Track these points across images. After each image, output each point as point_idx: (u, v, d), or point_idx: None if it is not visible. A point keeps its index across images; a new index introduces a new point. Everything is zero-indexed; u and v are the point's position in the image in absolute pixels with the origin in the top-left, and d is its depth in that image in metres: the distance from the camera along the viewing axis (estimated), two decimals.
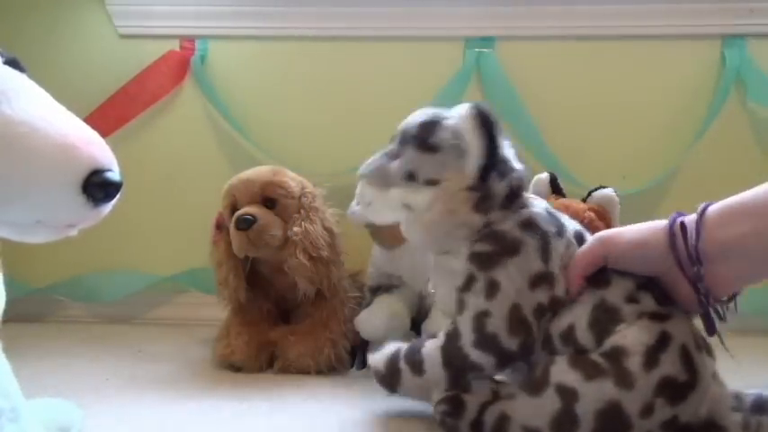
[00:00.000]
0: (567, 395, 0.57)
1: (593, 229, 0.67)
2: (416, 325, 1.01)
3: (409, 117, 0.71)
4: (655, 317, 0.59)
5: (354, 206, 1.03)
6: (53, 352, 1.04)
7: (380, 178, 0.69)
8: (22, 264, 1.21)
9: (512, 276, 0.62)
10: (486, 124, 0.64)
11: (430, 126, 0.67)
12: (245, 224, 0.94)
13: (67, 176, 0.43)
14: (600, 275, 0.62)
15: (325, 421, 0.72)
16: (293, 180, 1.02)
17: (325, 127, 1.31)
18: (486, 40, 1.28)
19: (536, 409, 0.59)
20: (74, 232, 0.47)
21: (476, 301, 0.63)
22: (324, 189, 1.06)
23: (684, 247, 0.58)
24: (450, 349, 0.65)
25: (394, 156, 0.69)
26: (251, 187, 0.98)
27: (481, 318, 0.63)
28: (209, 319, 1.11)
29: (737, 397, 0.61)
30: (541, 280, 0.62)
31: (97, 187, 0.44)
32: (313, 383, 0.89)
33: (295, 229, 0.97)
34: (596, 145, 1.27)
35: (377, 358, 0.72)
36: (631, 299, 0.60)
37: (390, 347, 0.72)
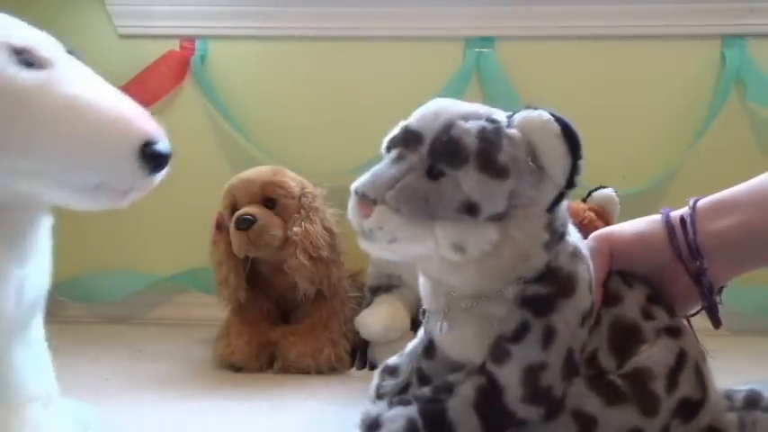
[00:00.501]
0: (586, 422, 0.53)
1: (593, 229, 0.66)
2: (416, 325, 1.01)
3: (427, 112, 0.54)
4: (670, 332, 0.57)
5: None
6: (53, 352, 1.04)
7: (418, 207, 0.50)
8: None
9: (568, 319, 0.53)
10: (572, 143, 0.50)
11: (494, 138, 0.50)
12: (245, 224, 0.94)
13: (126, 143, 0.49)
14: (610, 290, 0.59)
15: (325, 421, 0.72)
16: (293, 180, 1.02)
17: (325, 127, 1.31)
18: (486, 40, 1.28)
19: None
20: (127, 203, 0.52)
21: (528, 353, 0.53)
22: (324, 189, 1.06)
23: (684, 240, 0.58)
24: (490, 408, 0.53)
25: (429, 172, 0.51)
26: (251, 187, 0.98)
27: (535, 371, 0.53)
28: (209, 319, 1.11)
29: (728, 396, 0.60)
30: (589, 315, 0.56)
31: (150, 157, 0.50)
32: (313, 383, 0.88)
33: (295, 229, 0.97)
34: (596, 145, 1.26)
35: (391, 430, 0.55)
36: (647, 314, 0.57)
37: (394, 412, 0.56)
